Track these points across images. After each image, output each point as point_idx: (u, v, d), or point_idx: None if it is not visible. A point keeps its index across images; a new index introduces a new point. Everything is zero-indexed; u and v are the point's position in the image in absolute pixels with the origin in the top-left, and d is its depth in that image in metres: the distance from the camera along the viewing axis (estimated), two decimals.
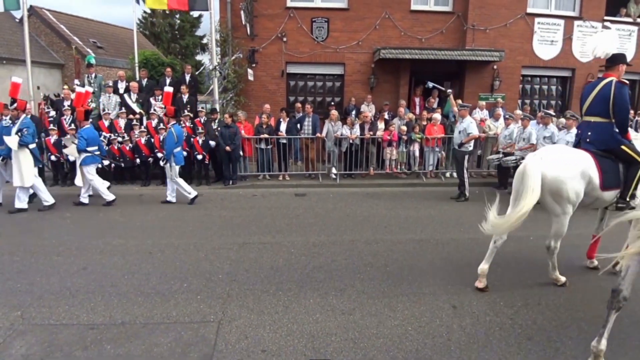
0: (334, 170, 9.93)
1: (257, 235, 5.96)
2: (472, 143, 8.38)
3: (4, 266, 4.77)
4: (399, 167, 10.11)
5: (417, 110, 11.23)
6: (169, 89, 9.05)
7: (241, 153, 9.43)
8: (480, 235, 4.13)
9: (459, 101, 9.28)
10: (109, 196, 7.63)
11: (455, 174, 9.99)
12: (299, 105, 10.56)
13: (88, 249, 5.34)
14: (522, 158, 8.14)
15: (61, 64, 19.42)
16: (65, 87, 8.44)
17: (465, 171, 8.23)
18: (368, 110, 10.67)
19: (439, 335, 3.45)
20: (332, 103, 11.50)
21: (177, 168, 7.83)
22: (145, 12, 25.85)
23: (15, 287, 4.24)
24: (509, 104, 11.50)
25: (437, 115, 9.89)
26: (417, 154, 10.00)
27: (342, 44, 11.55)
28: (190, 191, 7.87)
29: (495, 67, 11.64)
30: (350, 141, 9.66)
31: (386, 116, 10.36)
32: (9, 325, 3.54)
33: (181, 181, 7.89)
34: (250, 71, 11.00)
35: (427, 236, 5.99)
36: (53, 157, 9.11)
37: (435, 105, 10.87)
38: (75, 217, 6.89)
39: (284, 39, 11.47)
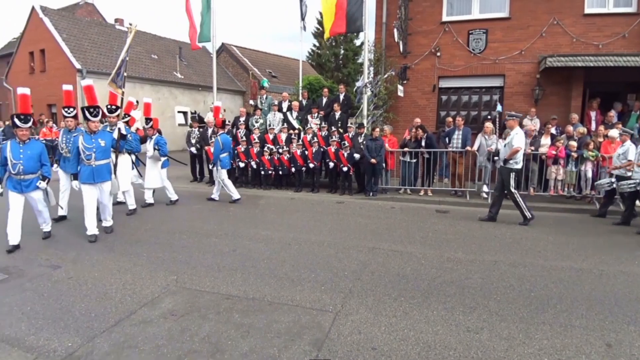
0: (485, 189, 9.09)
1: (388, 243, 5.86)
2: (519, 159, 7.02)
3: (174, 241, 5.85)
4: (565, 189, 8.64)
5: (593, 126, 9.48)
6: (217, 103, 9.89)
7: (384, 166, 9.49)
8: None
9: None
10: (150, 199, 8.33)
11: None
12: (449, 119, 10.11)
13: (240, 236, 6.13)
14: None
15: (243, 91, 23.19)
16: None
17: (514, 190, 7.02)
18: (532, 124, 9.50)
19: None
20: (489, 117, 10.64)
21: (223, 171, 8.72)
22: (314, 45, 28.81)
23: (178, 258, 5.14)
24: None
25: (615, 132, 8.13)
26: (589, 174, 8.38)
27: (501, 55, 10.67)
28: (235, 193, 8.78)
29: None
30: None
31: (553, 131, 9.04)
32: (165, 286, 4.30)
33: (229, 183, 8.81)
34: (400, 87, 11.08)
35: (589, 265, 4.93)
36: (241, 164, 10.58)
37: (615, 120, 9.00)
38: (237, 211, 7.97)
39: (438, 54, 11.23)
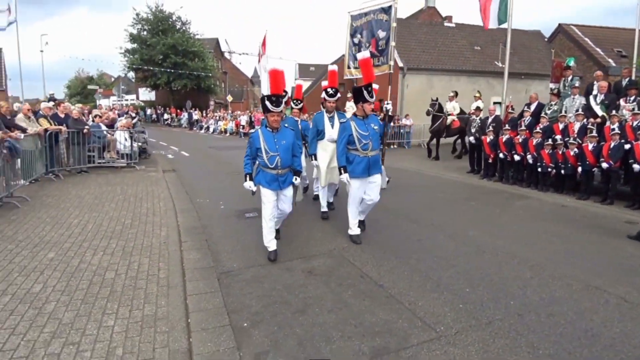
0: None
1: (624, 287, 3.85)
2: None
3: (381, 219, 5.95)
4: None
5: None
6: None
7: None
8: None
9: None
10: None
11: None
12: None
13: (444, 230, 5.64)
14: None
15: (579, 76, 19.41)
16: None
17: None
18: None
19: None
20: None
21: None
22: None
23: (367, 232, 5.31)
24: None
25: None
26: None
27: None
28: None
29: None
30: None
31: None
32: (331, 249, 4.82)
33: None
34: None
35: None
36: (517, 157, 9.28)
37: None
38: (477, 206, 7.23)
39: None
